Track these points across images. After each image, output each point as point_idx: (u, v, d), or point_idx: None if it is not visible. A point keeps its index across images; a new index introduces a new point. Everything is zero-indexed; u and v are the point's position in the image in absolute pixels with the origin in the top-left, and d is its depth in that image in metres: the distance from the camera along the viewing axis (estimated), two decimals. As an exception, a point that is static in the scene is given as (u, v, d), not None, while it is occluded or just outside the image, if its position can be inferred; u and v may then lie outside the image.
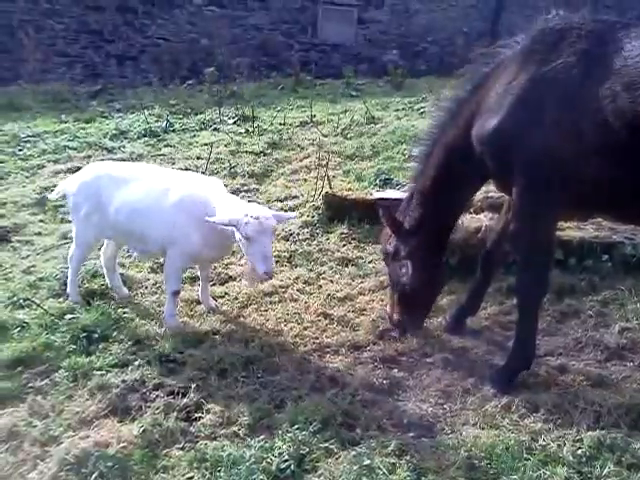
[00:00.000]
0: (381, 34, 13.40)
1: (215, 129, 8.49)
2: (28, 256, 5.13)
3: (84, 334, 3.87)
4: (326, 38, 13.21)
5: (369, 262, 5.00)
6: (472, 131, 3.43)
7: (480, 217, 4.92)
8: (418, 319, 3.99)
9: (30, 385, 3.47)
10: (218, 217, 3.72)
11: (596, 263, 4.55)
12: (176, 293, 4.12)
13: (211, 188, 4.04)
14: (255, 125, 8.44)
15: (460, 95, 3.62)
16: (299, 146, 7.68)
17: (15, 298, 4.30)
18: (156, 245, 4.08)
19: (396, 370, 3.72)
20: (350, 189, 6.14)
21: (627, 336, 3.92)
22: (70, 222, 5.70)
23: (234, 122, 8.74)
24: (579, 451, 2.96)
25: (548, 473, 2.82)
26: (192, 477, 2.83)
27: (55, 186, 6.43)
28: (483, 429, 3.16)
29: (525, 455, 2.93)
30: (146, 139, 8.08)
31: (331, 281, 4.77)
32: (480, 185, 3.92)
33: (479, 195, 5.26)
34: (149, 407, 3.32)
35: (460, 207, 3.96)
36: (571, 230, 4.73)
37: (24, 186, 6.63)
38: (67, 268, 4.70)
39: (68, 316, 4.07)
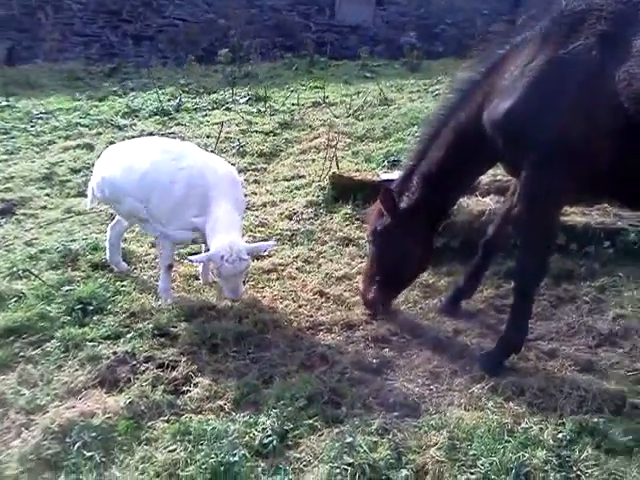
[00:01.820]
0: (399, 15, 13.23)
1: (227, 109, 8.47)
2: (31, 229, 5.19)
3: (79, 305, 3.91)
4: (343, 19, 13.08)
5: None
6: (484, 113, 3.36)
7: (486, 200, 4.86)
8: (389, 300, 4.01)
9: (21, 354, 3.51)
10: (197, 257, 3.95)
11: (598, 249, 4.47)
12: (170, 267, 4.15)
13: (219, 180, 4.03)
14: (267, 105, 8.42)
15: (472, 77, 3.52)
16: (310, 126, 7.64)
17: (14, 269, 4.35)
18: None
19: (387, 349, 3.71)
20: (358, 170, 6.10)
21: (620, 323, 3.86)
22: (75, 197, 5.82)
23: (246, 102, 8.71)
24: (560, 435, 2.93)
25: (527, 456, 2.78)
26: (175, 449, 2.85)
27: (64, 161, 6.57)
28: (467, 410, 3.14)
29: (506, 437, 2.90)
30: (157, 117, 8.10)
31: (331, 260, 4.76)
32: (486, 169, 3.87)
33: (486, 178, 5.21)
34: (137, 379, 3.35)
35: (462, 191, 3.93)
36: (576, 215, 4.66)
37: (33, 161, 6.69)
38: (70, 241, 4.78)
39: (65, 287, 4.12)
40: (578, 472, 2.75)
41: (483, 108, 3.41)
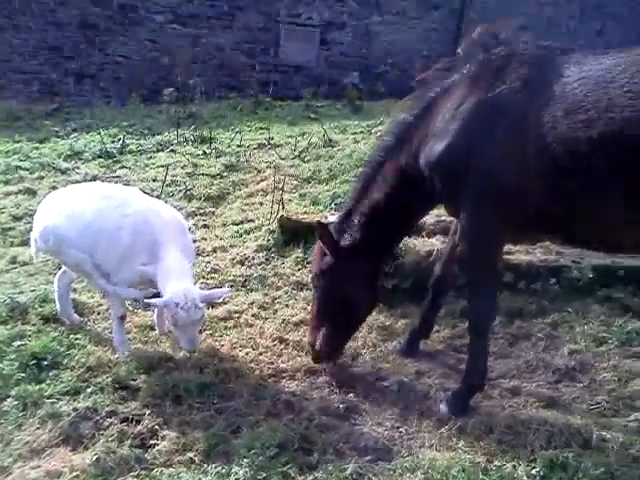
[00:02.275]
0: (342, 56, 13.54)
1: (172, 150, 8.43)
2: (-25, 280, 5.00)
3: (34, 361, 3.78)
4: (288, 59, 13.29)
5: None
6: (421, 155, 3.49)
7: (432, 241, 5.02)
8: (339, 346, 3.96)
9: (-23, 415, 3.37)
10: (152, 300, 3.78)
11: (544, 286, 4.68)
12: (122, 318, 4.08)
13: (165, 225, 4.01)
14: (213, 147, 8.43)
15: (406, 119, 3.65)
16: (256, 169, 7.69)
17: (-39, 324, 4.17)
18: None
19: (352, 395, 3.73)
20: (306, 212, 6.16)
21: (576, 358, 4.03)
22: (20, 246, 5.63)
23: (192, 143, 8.71)
24: (533, 471, 3.02)
25: (503, 494, 2.87)
26: (147, 506, 2.80)
27: (4, 208, 6.37)
28: (439, 451, 3.20)
29: (481, 476, 2.98)
30: (101, 160, 7.98)
31: (286, 305, 4.77)
32: (427, 210, 3.98)
33: (431, 219, 5.39)
34: (102, 435, 3.27)
35: (405, 231, 4.02)
36: (520, 254, 4.87)
37: (-27, 207, 6.47)
38: (18, 293, 4.62)
39: (17, 342, 3.96)
40: (554, 508, 2.85)
41: (419, 150, 3.52)
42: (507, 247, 4.96)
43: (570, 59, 3.19)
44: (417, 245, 5.04)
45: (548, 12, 13.78)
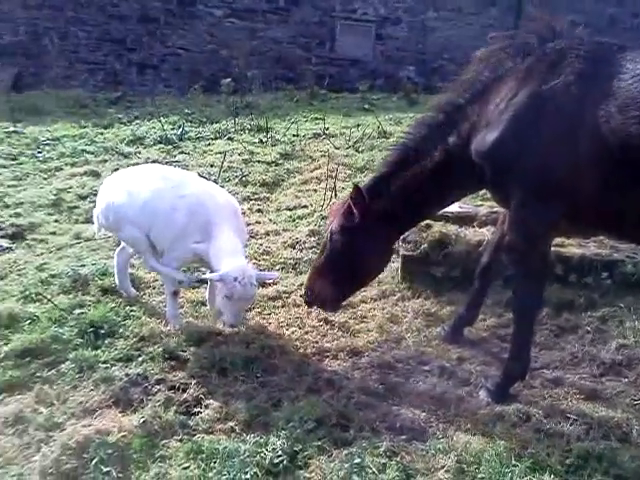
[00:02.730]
0: (398, 50, 13.53)
1: (229, 138, 8.62)
2: (42, 254, 5.27)
3: (91, 329, 3.99)
4: (343, 53, 13.37)
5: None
6: (472, 142, 3.50)
7: (483, 231, 4.99)
8: (340, 299, 4.03)
9: (38, 374, 3.59)
10: (210, 275, 3.93)
11: (596, 280, 4.60)
12: (175, 293, 4.24)
13: (219, 207, 4.14)
14: (269, 135, 8.58)
15: (456, 100, 3.63)
16: (311, 157, 7.80)
17: (27, 292, 4.43)
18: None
19: (392, 376, 3.79)
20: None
21: (624, 352, 3.97)
22: (84, 223, 5.92)
23: (248, 132, 8.89)
24: (567, 460, 3.03)
25: (535, 480, 2.89)
26: (188, 467, 2.94)
27: (71, 188, 6.69)
28: (474, 435, 3.23)
29: (514, 462, 3.00)
30: (161, 145, 8.23)
31: (334, 288, 4.85)
32: (466, 193, 3.97)
33: (484, 210, 5.38)
34: (150, 400, 3.43)
35: (436, 209, 4.03)
36: (572, 247, 4.79)
37: (41, 187, 6.80)
38: (80, 266, 4.87)
39: (77, 311, 4.19)
40: (586, 499, 2.84)
41: (470, 136, 3.51)
42: (559, 240, 4.92)
43: (626, 55, 3.18)
44: (468, 235, 5.03)
45: (610, 10, 13.40)
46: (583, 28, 3.60)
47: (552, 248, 4.64)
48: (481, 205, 5.54)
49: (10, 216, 5.95)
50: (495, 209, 5.22)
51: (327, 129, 8.91)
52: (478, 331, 4.29)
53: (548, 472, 2.93)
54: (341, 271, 3.88)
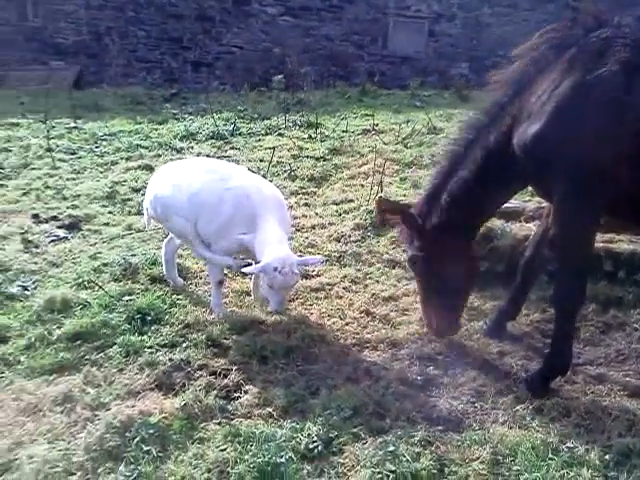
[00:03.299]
0: (451, 47, 13.42)
1: (279, 134, 8.74)
2: (95, 243, 5.49)
3: (139, 315, 4.13)
4: (396, 50, 13.34)
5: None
6: (514, 136, 3.46)
7: (529, 226, 4.91)
8: (453, 319, 3.97)
9: (86, 357, 3.76)
10: (250, 268, 3.99)
11: (647, 277, 4.47)
12: (220, 283, 4.34)
13: (265, 199, 4.19)
14: (318, 131, 8.65)
15: (500, 99, 3.61)
16: (359, 153, 7.82)
17: (80, 280, 4.63)
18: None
19: (432, 368, 3.80)
20: (405, 195, 6.24)
21: (672, 351, 3.86)
22: (135, 215, 6.11)
23: (298, 128, 8.98)
24: (607, 456, 2.97)
25: (572, 474, 2.84)
26: (225, 449, 3.01)
27: (125, 181, 6.92)
28: (511, 428, 3.21)
29: (550, 455, 2.96)
30: (213, 141, 8.41)
31: (377, 281, 4.88)
32: (517, 191, 3.93)
33: (532, 205, 5.29)
34: (192, 384, 3.53)
35: (492, 210, 3.98)
36: (623, 243, 4.67)
37: (98, 180, 7.06)
38: (131, 256, 5.04)
39: (126, 298, 4.36)
40: (626, 493, 2.78)
41: (512, 131, 3.48)
42: (609, 235, 4.80)
43: None
44: (514, 229, 4.97)
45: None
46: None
47: (601, 244, 4.59)
48: (529, 200, 5.44)
49: (67, 207, 6.21)
50: (543, 204, 5.13)
51: (376, 125, 8.91)
52: (521, 326, 4.23)
53: (586, 467, 2.88)
54: (436, 295, 3.88)
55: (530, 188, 4.94)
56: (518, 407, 3.37)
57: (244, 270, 4.07)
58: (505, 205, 5.18)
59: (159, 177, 4.57)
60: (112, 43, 12.68)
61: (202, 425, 3.21)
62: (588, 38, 3.30)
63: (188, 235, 4.34)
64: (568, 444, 3.05)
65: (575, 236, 3.40)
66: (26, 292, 4.53)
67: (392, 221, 3.94)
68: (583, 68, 3.22)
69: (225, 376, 3.64)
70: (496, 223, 4.94)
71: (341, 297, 4.64)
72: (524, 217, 5.14)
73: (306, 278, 4.88)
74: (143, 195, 6.41)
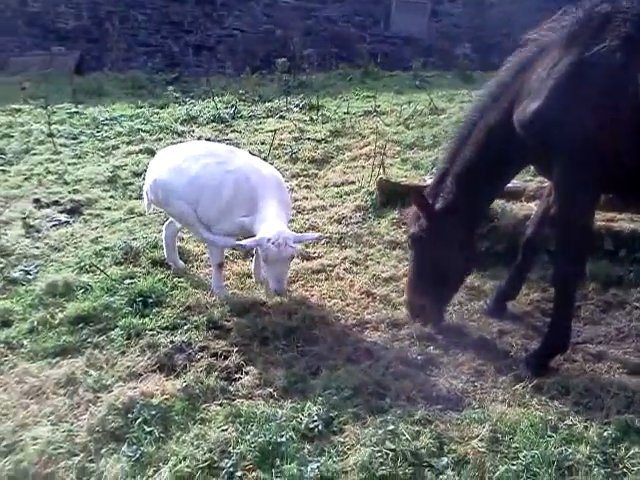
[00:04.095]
0: (454, 27, 13.27)
1: (281, 117, 8.70)
2: (97, 228, 5.50)
3: (140, 298, 4.15)
4: (398, 31, 13.21)
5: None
6: (514, 114, 3.45)
7: (530, 205, 4.90)
8: (440, 307, 3.98)
9: (89, 340, 3.79)
10: (246, 241, 3.97)
11: (647, 256, 4.46)
12: (220, 265, 4.36)
13: (265, 182, 4.19)
14: (320, 113, 8.61)
15: (502, 79, 3.63)
16: (360, 134, 7.78)
17: (82, 263, 4.66)
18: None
19: (432, 347, 3.80)
20: (406, 176, 6.22)
21: (673, 329, 3.86)
22: (137, 199, 6.12)
23: (300, 110, 8.94)
24: (605, 433, 2.99)
25: (570, 451, 2.86)
26: (226, 429, 3.04)
27: (126, 165, 6.92)
28: (511, 406, 3.23)
29: (549, 433, 2.99)
30: (214, 124, 8.38)
31: (378, 262, 4.88)
32: (519, 170, 3.93)
33: (533, 184, 5.27)
34: (193, 366, 3.57)
35: (495, 192, 3.97)
36: (624, 221, 4.66)
37: (99, 165, 7.05)
38: (132, 240, 5.06)
39: (127, 281, 4.38)
40: (624, 469, 2.81)
41: (512, 109, 3.48)
42: (610, 214, 4.79)
43: None
44: (514, 209, 4.97)
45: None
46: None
47: (602, 222, 4.58)
48: (530, 180, 5.43)
49: (69, 192, 6.22)
50: (544, 184, 5.11)
51: (378, 106, 8.86)
52: (521, 305, 4.24)
53: (584, 443, 2.91)
54: (428, 278, 3.87)
55: (532, 168, 4.99)
56: (517, 386, 3.39)
57: (240, 243, 4.02)
58: (506, 186, 5.22)
59: (159, 161, 4.57)
60: (113, 27, 12.57)
61: (203, 406, 3.24)
62: (588, 14, 3.27)
63: (188, 219, 4.34)
64: (567, 421, 3.08)
65: (575, 213, 3.40)
66: (28, 276, 4.56)
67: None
68: (582, 44, 3.20)
69: (226, 357, 3.67)
70: (496, 203, 4.92)
71: (342, 278, 4.65)
72: (525, 197, 5.13)
73: (307, 260, 4.90)
74: (144, 179, 6.45)
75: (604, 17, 3.21)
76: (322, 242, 5.23)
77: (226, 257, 4.63)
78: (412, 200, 3.91)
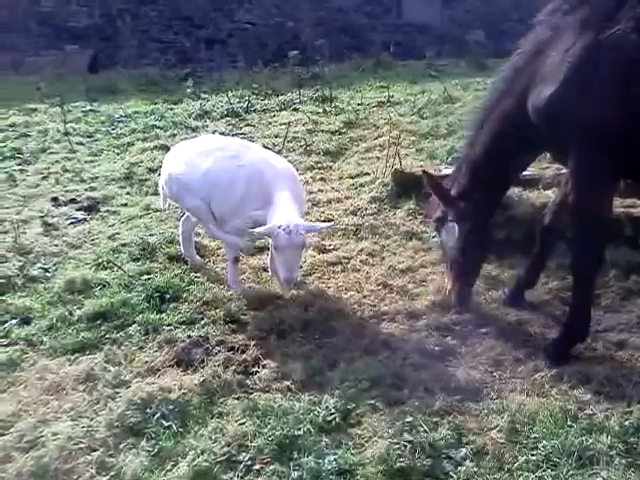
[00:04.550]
0: (466, 14, 13.15)
1: (294, 109, 8.68)
2: (114, 224, 5.54)
3: (157, 294, 4.17)
4: (410, 19, 13.13)
5: (433, 236, 5.01)
6: (528, 99, 3.41)
7: (548, 193, 4.84)
8: (464, 289, 3.99)
9: (107, 336, 3.82)
10: (257, 229, 3.95)
11: (668, 242, 4.39)
12: (236, 260, 4.37)
13: (278, 175, 4.18)
14: (333, 105, 8.58)
15: (516, 63, 3.59)
16: (374, 125, 7.74)
17: (99, 260, 4.69)
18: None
19: (450, 338, 3.78)
20: (421, 166, 6.17)
21: (694, 316, 3.79)
22: (153, 195, 6.14)
23: (313, 102, 8.91)
24: (627, 422, 2.94)
25: (591, 441, 2.82)
26: (244, 423, 3.03)
27: (142, 162, 6.95)
28: (530, 396, 3.19)
29: (569, 422, 2.94)
30: (228, 119, 8.40)
31: (394, 253, 4.86)
32: (535, 157, 3.89)
33: (550, 172, 5.21)
34: (210, 361, 3.57)
35: (511, 177, 3.95)
36: (644, 207, 4.59)
37: (115, 162, 7.10)
38: (149, 235, 5.08)
39: (144, 277, 4.39)
40: (647, 459, 2.75)
41: (527, 94, 3.44)
42: (630, 201, 4.72)
43: None
44: (531, 197, 4.92)
45: None
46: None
47: (622, 209, 4.51)
48: (547, 168, 5.35)
49: (86, 190, 6.28)
50: (562, 171, 5.04)
51: (392, 97, 8.81)
52: (540, 294, 4.19)
53: (605, 433, 2.85)
54: (452, 264, 3.95)
55: (548, 155, 4.93)
56: (537, 375, 3.35)
57: (252, 230, 4.00)
58: (523, 173, 5.16)
59: (173, 156, 4.58)
60: (124, 25, 12.62)
61: (221, 400, 3.24)
62: None
63: (202, 214, 4.35)
64: (587, 411, 3.03)
65: (592, 199, 3.36)
66: (47, 274, 4.60)
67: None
68: (596, 27, 3.15)
69: (243, 351, 3.67)
70: (513, 191, 4.87)
71: (358, 270, 4.64)
72: (542, 184, 5.07)
73: (323, 252, 4.90)
74: (159, 175, 6.48)
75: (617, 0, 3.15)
76: (338, 234, 5.21)
77: (241, 251, 4.63)
78: (428, 186, 3.94)
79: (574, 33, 3.23)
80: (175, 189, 4.44)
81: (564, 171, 5.00)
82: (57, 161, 7.12)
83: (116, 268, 4.54)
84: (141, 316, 3.96)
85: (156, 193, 6.06)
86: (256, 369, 3.52)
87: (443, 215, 3.95)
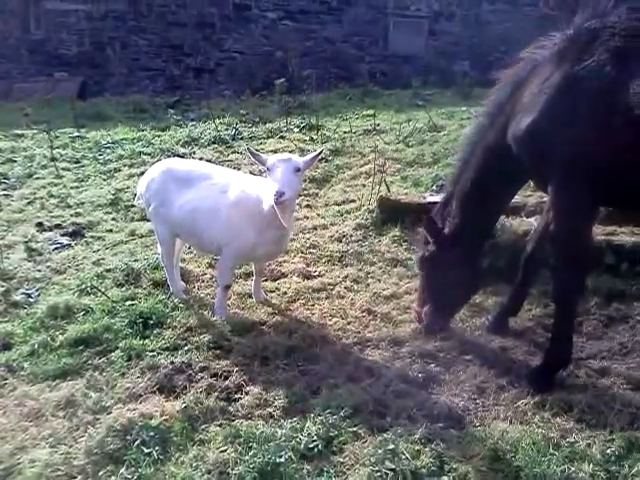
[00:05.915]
0: (452, 45, 13.42)
1: (281, 137, 8.75)
2: (98, 250, 5.52)
3: (141, 319, 4.15)
4: (397, 50, 13.36)
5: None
6: (508, 131, 3.47)
7: (530, 220, 4.90)
8: (443, 322, 4.04)
9: (89, 362, 3.78)
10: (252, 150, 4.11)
11: (649, 269, 4.44)
12: (227, 287, 4.36)
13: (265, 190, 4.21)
14: (320, 133, 8.66)
15: (498, 97, 3.66)
16: (360, 153, 7.82)
17: (83, 286, 4.66)
18: (211, 244, 4.33)
19: (433, 365, 3.78)
20: (406, 194, 6.23)
21: (676, 343, 3.83)
22: (139, 221, 6.14)
23: (300, 130, 8.99)
24: (608, 450, 2.96)
25: (573, 469, 2.83)
26: (225, 450, 3.01)
27: (128, 188, 6.96)
28: (512, 424, 3.20)
29: (551, 451, 2.95)
30: (215, 146, 8.44)
31: (379, 280, 4.87)
32: (519, 186, 3.94)
33: (533, 199, 5.27)
34: (193, 387, 3.55)
35: (499, 209, 4.00)
36: (625, 235, 4.65)
37: (101, 188, 7.10)
38: (133, 261, 5.07)
39: (128, 303, 4.38)
40: (628, 487, 2.76)
41: (507, 126, 3.51)
42: (611, 228, 4.78)
43: None
44: (514, 225, 4.97)
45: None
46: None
47: (603, 236, 4.57)
48: (530, 195, 5.42)
49: (71, 215, 6.27)
50: (544, 199, 5.11)
51: (378, 125, 8.91)
52: (523, 321, 4.21)
53: (587, 461, 2.87)
54: (437, 298, 3.99)
55: (531, 183, 5.00)
56: (519, 403, 3.36)
57: (249, 147, 4.25)
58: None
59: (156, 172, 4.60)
60: (114, 53, 12.76)
61: (203, 427, 3.21)
62: (577, 30, 3.31)
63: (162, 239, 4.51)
64: (569, 439, 3.04)
65: (572, 227, 3.40)
66: (30, 299, 4.58)
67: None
68: (572, 59, 3.23)
69: (226, 378, 3.65)
70: (497, 218, 4.92)
71: (343, 297, 4.65)
72: (525, 212, 5.13)
73: (307, 278, 4.91)
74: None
75: (593, 32, 3.24)
76: (323, 260, 5.23)
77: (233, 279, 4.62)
78: (424, 225, 3.98)
79: (551, 65, 3.31)
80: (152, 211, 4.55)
81: (546, 198, 5.11)
82: (43, 186, 7.13)
83: (100, 294, 4.52)
84: (124, 342, 3.94)
85: (142, 219, 6.09)
86: (239, 395, 3.50)
87: (434, 254, 3.96)
